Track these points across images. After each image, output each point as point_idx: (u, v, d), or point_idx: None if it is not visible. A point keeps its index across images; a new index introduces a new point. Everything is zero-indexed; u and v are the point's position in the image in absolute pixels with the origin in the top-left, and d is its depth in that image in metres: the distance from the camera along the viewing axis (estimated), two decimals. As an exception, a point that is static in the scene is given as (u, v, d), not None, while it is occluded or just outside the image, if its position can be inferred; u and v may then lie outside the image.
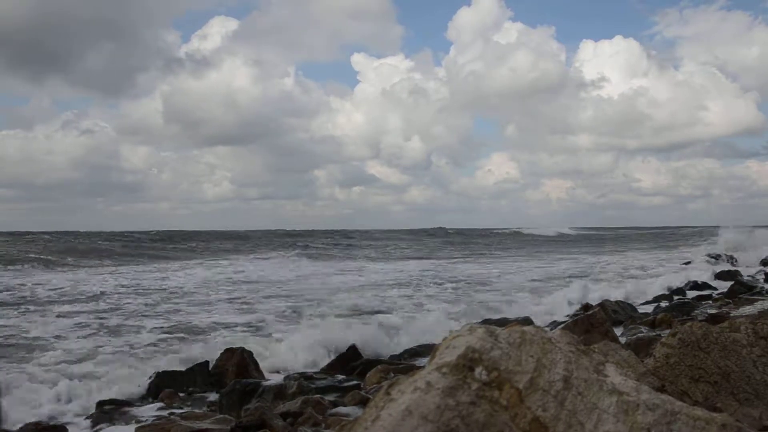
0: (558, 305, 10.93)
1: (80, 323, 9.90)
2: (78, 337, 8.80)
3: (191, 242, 40.30)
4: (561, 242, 51.34)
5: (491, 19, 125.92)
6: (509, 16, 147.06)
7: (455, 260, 27.89)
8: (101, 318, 10.58)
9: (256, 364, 6.72)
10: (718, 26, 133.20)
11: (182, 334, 8.99)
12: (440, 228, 75.49)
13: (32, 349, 7.98)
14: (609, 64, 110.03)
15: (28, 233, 45.90)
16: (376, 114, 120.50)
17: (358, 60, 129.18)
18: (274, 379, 6.11)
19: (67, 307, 11.96)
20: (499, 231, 71.81)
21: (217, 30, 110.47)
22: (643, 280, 14.86)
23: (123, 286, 16.05)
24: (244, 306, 12.01)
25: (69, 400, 5.75)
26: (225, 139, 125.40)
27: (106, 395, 5.85)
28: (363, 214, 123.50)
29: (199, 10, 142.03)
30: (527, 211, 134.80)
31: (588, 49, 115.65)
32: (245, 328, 9.45)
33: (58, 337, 8.84)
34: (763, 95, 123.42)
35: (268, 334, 8.90)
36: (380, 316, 10.21)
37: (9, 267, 21.88)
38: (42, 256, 25.49)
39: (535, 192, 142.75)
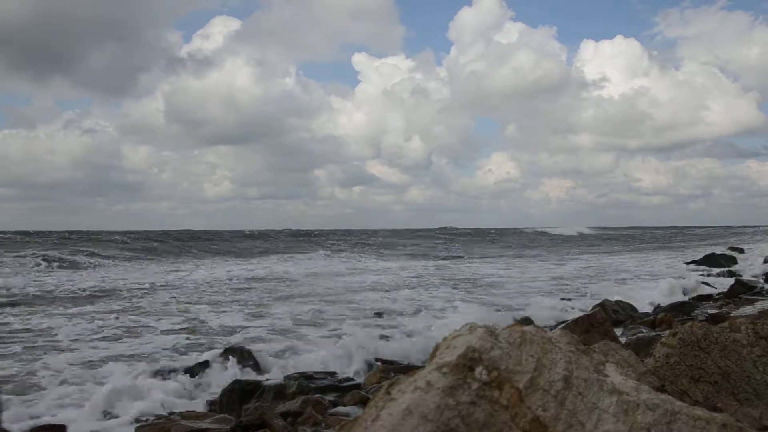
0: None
1: (101, 324, 9.91)
2: (95, 338, 8.84)
3: (207, 242, 39.59)
4: (574, 242, 51.46)
5: (492, 19, 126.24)
6: (510, 16, 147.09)
7: (467, 261, 28.05)
8: (124, 317, 10.74)
9: (256, 363, 6.74)
10: (719, 26, 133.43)
11: (200, 336, 8.96)
12: (448, 227, 75.59)
13: (47, 350, 8.03)
14: (610, 64, 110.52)
15: (39, 232, 45.95)
16: (377, 114, 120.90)
17: (359, 60, 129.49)
18: (274, 379, 6.11)
19: (89, 306, 12.21)
20: (514, 230, 71.92)
21: (219, 30, 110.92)
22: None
23: (156, 283, 16.50)
24: (261, 309, 11.89)
25: (71, 400, 5.75)
26: (226, 139, 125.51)
27: (107, 394, 5.85)
28: (363, 214, 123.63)
29: (201, 11, 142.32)
30: (527, 211, 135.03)
31: (589, 49, 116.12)
32: (267, 331, 9.32)
33: (76, 336, 8.91)
34: (764, 95, 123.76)
35: (297, 337, 8.79)
36: (406, 319, 10.26)
37: (42, 263, 22.11)
38: (64, 253, 25.44)
39: (535, 192, 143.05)
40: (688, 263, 20.78)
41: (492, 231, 68.72)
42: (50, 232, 46.31)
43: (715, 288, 12.92)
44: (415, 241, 48.46)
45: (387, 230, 67.61)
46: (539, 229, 71.06)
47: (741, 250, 25.42)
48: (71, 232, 45.17)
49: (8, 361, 7.32)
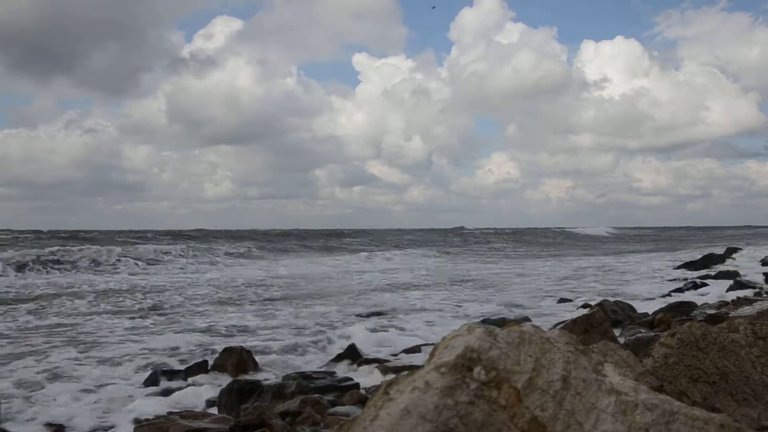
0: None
1: (127, 323, 10.17)
2: (113, 337, 8.99)
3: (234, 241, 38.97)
4: (596, 242, 51.63)
5: (493, 19, 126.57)
6: (511, 16, 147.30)
7: (478, 261, 28.31)
8: (148, 316, 11.06)
9: (255, 363, 6.75)
10: (719, 27, 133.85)
11: (208, 336, 9.00)
12: (463, 227, 75.50)
13: (64, 347, 8.16)
14: (610, 65, 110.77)
15: (51, 231, 45.88)
16: (378, 114, 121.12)
17: (359, 60, 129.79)
18: (273, 379, 6.11)
19: (115, 301, 12.82)
20: (531, 230, 72.12)
21: (221, 30, 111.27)
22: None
23: (184, 282, 17.25)
24: (271, 309, 11.93)
25: (71, 399, 5.75)
26: (227, 139, 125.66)
27: (107, 394, 5.86)
28: (364, 214, 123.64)
29: (203, 11, 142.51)
30: (527, 211, 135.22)
31: (589, 49, 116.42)
32: (270, 331, 9.32)
33: (97, 334, 9.18)
34: (764, 95, 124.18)
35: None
36: (406, 319, 10.33)
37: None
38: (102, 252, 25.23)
39: (536, 192, 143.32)
40: (685, 264, 20.74)
41: (508, 230, 68.63)
42: (60, 231, 46.24)
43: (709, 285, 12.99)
44: (428, 240, 48.66)
45: (399, 230, 67.66)
46: (568, 229, 71.06)
47: (740, 251, 25.42)
48: (110, 232, 45.35)
49: (25, 359, 7.39)
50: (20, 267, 20.15)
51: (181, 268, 22.78)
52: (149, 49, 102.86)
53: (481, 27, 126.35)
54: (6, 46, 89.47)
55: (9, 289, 15.37)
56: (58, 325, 10.03)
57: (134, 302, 12.89)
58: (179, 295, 14.29)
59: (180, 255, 26.93)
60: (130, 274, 20.15)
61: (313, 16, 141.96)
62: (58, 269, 20.81)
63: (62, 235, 38.29)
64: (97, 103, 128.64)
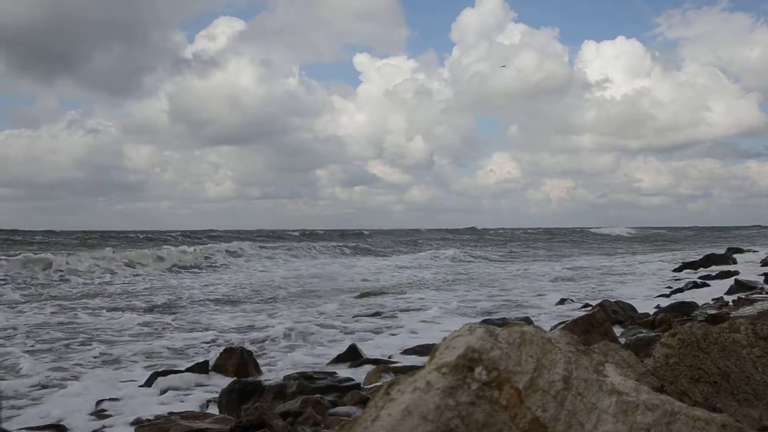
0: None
1: (147, 322, 10.28)
2: (127, 336, 9.07)
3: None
4: (613, 242, 51.66)
5: (495, 20, 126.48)
6: (512, 17, 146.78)
7: (487, 261, 28.35)
8: (167, 315, 11.17)
9: (255, 363, 6.75)
10: (721, 27, 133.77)
11: (213, 335, 9.02)
12: (472, 227, 75.52)
13: (76, 346, 8.22)
14: (612, 65, 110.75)
15: (63, 232, 45.95)
16: (379, 114, 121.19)
17: (360, 60, 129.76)
18: (274, 379, 6.11)
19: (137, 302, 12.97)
20: (545, 230, 72.31)
21: (223, 30, 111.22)
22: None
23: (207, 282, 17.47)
24: (277, 309, 11.88)
25: (72, 398, 5.76)
26: (229, 139, 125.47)
27: (109, 394, 5.86)
28: (364, 214, 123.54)
29: (206, 11, 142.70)
30: (528, 211, 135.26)
31: (591, 50, 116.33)
32: (271, 331, 9.26)
33: (110, 333, 9.25)
34: (765, 96, 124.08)
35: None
36: (405, 318, 10.35)
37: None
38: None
39: (536, 192, 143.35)
40: (686, 264, 20.71)
41: (519, 230, 68.49)
42: (75, 232, 46.26)
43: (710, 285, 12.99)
44: (438, 240, 48.65)
45: (416, 230, 67.46)
46: (586, 229, 70.97)
47: (740, 251, 25.41)
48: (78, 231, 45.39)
49: (29, 358, 7.38)
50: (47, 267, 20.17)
51: (195, 268, 22.94)
52: (152, 50, 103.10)
53: (482, 27, 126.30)
54: (8, 46, 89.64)
55: (42, 290, 15.54)
56: (71, 323, 10.13)
57: (147, 302, 13.02)
58: (188, 294, 14.40)
59: (198, 253, 27.10)
60: (148, 274, 20.22)
61: (315, 17, 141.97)
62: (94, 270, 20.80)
63: (77, 235, 38.40)
64: (100, 104, 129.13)
